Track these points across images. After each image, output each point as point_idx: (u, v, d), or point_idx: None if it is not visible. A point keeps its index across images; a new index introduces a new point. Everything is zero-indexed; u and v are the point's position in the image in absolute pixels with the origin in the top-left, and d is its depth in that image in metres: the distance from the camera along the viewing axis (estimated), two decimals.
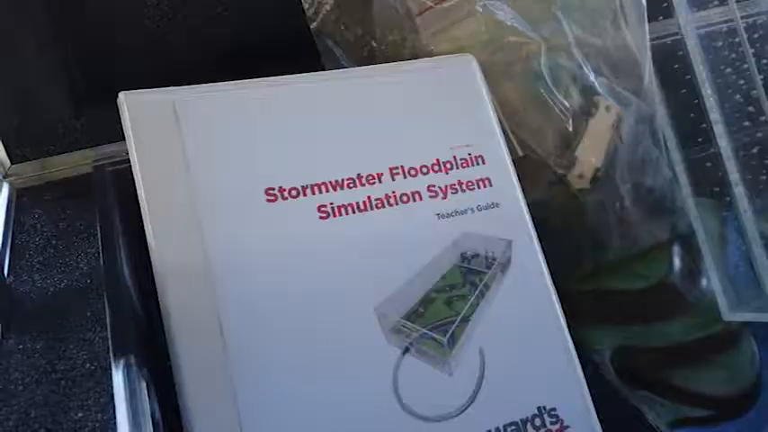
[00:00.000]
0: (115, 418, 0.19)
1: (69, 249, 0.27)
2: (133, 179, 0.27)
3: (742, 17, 0.34)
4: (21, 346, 0.22)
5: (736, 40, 0.32)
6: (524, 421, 0.28)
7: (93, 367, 0.21)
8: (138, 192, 0.26)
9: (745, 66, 0.33)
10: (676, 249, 0.38)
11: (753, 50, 0.35)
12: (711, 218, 0.38)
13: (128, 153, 0.28)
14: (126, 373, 0.19)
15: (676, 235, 0.38)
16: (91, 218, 0.29)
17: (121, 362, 0.19)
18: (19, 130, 0.32)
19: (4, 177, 0.32)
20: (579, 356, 0.30)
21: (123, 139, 0.29)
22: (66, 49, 0.32)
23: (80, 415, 0.19)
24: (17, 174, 0.32)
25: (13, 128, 0.31)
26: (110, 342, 0.20)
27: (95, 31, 0.33)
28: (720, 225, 0.38)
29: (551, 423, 0.28)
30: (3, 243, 0.27)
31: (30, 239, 0.28)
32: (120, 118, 0.28)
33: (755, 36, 0.35)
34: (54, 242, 0.28)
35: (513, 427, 0.28)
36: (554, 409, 0.28)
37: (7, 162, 0.32)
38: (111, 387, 0.20)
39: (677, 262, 0.38)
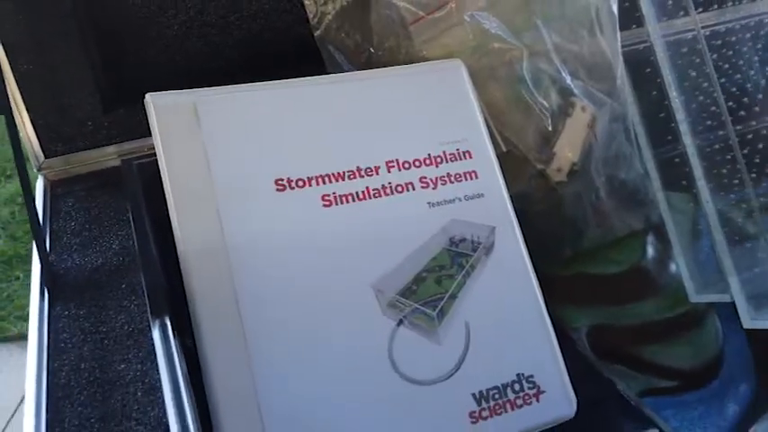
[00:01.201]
0: (153, 368, 0.22)
1: (102, 232, 0.31)
2: (157, 171, 0.30)
3: (704, 26, 0.38)
4: (66, 313, 0.25)
5: (699, 46, 0.35)
6: (505, 386, 0.31)
7: (130, 329, 0.24)
8: (164, 182, 0.30)
9: (708, 70, 0.36)
10: (649, 238, 0.42)
11: (715, 56, 0.39)
12: (682, 210, 0.42)
13: (150, 148, 0.31)
14: (162, 332, 0.22)
15: (650, 225, 0.42)
16: (119, 206, 0.33)
17: (158, 322, 0.23)
18: (51, 127, 0.35)
19: (38, 170, 0.35)
20: (558, 333, 0.34)
21: (146, 135, 0.32)
22: (95, 55, 0.35)
23: (122, 366, 0.23)
24: (50, 167, 0.35)
25: (46, 125, 0.35)
26: (148, 307, 0.24)
27: (121, 39, 0.36)
28: (692, 216, 0.42)
29: (529, 388, 0.32)
30: (42, 227, 0.31)
31: (66, 224, 0.31)
32: (142, 116, 0.32)
33: (718, 43, 0.39)
34: (88, 226, 0.31)
35: (495, 391, 0.31)
36: (531, 376, 0.32)
37: (41, 156, 0.35)
38: (148, 344, 0.23)
39: (649, 249, 0.41)
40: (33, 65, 0.33)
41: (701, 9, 0.39)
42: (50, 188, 0.34)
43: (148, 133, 0.33)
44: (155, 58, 0.37)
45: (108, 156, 0.36)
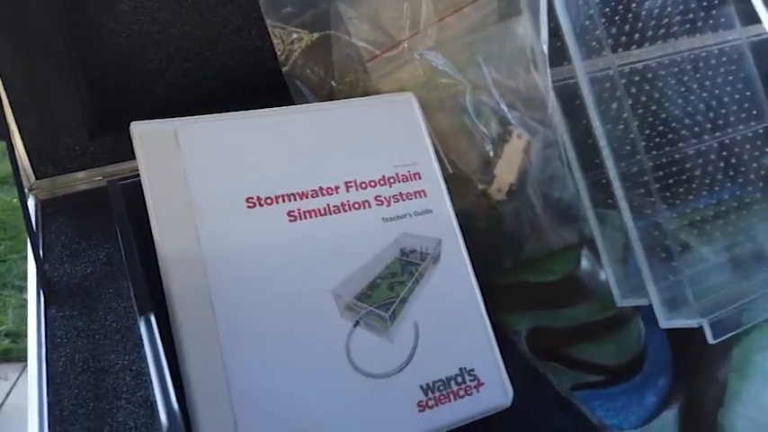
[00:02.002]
0: (139, 358, 0.26)
1: (90, 245, 0.34)
2: (140, 190, 0.34)
3: (624, 64, 0.44)
4: (61, 314, 0.29)
5: (607, 85, 0.41)
6: (449, 378, 0.36)
7: (118, 326, 0.28)
8: (147, 200, 0.34)
9: (624, 104, 0.42)
10: (581, 250, 0.47)
11: (634, 90, 0.44)
12: (613, 225, 0.47)
13: (132, 170, 0.35)
14: (148, 326, 0.26)
15: (582, 238, 0.47)
16: (105, 222, 0.36)
17: (143, 318, 0.26)
18: (42, 150, 0.39)
19: (29, 190, 0.39)
20: (500, 334, 0.38)
21: (129, 158, 0.36)
22: (83, 86, 0.39)
23: (112, 356, 0.26)
24: (40, 188, 0.39)
25: (37, 149, 0.38)
26: (135, 306, 0.28)
27: (106, 72, 0.40)
28: (620, 231, 0.47)
29: (470, 380, 0.36)
30: (36, 240, 0.35)
31: (57, 238, 0.35)
32: (125, 142, 0.36)
33: (636, 79, 0.45)
34: (77, 240, 0.35)
35: (440, 383, 0.35)
36: (472, 370, 0.36)
37: (32, 177, 0.39)
38: (135, 339, 0.27)
39: (582, 260, 0.46)
40: (28, 95, 0.37)
41: (620, 49, 0.45)
42: (41, 207, 0.38)
43: (131, 157, 0.37)
44: (137, 90, 0.41)
45: (93, 177, 0.40)
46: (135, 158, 0.38)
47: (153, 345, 0.24)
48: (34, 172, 0.39)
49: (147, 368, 0.25)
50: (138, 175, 0.36)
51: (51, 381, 0.25)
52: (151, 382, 0.24)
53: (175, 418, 0.21)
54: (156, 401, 0.23)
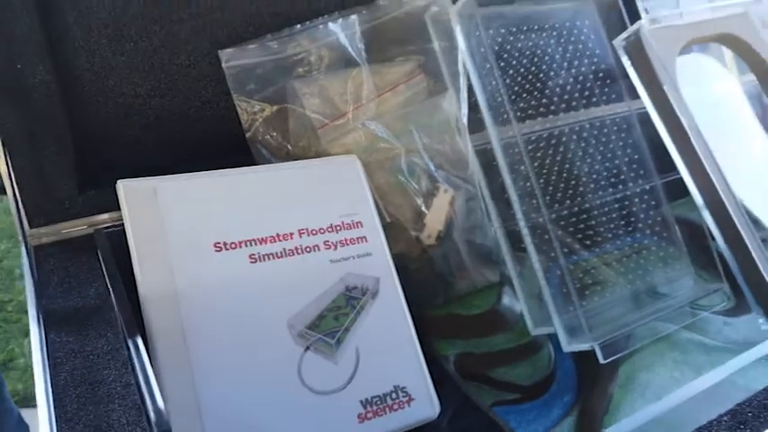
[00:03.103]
0: (128, 372, 0.32)
1: (79, 284, 0.41)
2: (121, 238, 0.41)
3: (528, 132, 0.53)
4: (58, 339, 0.35)
5: (517, 150, 0.50)
6: (385, 394, 0.42)
7: (109, 348, 0.34)
8: (130, 244, 0.40)
9: (527, 166, 0.51)
10: (502, 288, 0.55)
11: (540, 153, 0.53)
12: (527, 266, 0.55)
13: (114, 219, 0.42)
14: (135, 345, 0.32)
15: (502, 278, 0.55)
16: (91, 264, 0.42)
17: (131, 339, 0.33)
18: (36, 204, 0.45)
19: (23, 238, 0.45)
20: (432, 359, 0.45)
21: (111, 210, 0.43)
22: (71, 149, 0.46)
23: (105, 372, 0.32)
24: (33, 235, 0.45)
25: (32, 203, 0.44)
26: (123, 331, 0.34)
27: (95, 136, 0.47)
28: (534, 271, 0.55)
29: (402, 396, 0.43)
30: (33, 280, 0.41)
31: (50, 278, 0.41)
32: (108, 196, 0.42)
33: (542, 145, 0.54)
34: (68, 280, 0.41)
35: (377, 398, 0.42)
36: (405, 388, 0.43)
37: (27, 226, 0.45)
38: (123, 358, 0.33)
39: (502, 296, 0.54)
40: (27, 157, 0.43)
41: (527, 120, 0.54)
42: (34, 252, 0.44)
43: (113, 208, 0.44)
44: (120, 152, 0.48)
45: (80, 226, 0.46)
46: (115, 209, 0.45)
47: (140, 360, 0.30)
48: (29, 222, 0.45)
49: (136, 379, 0.32)
50: (120, 224, 0.43)
51: (54, 392, 0.31)
52: (139, 389, 0.31)
53: (161, 414, 0.28)
54: (144, 403, 0.29)
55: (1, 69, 0.40)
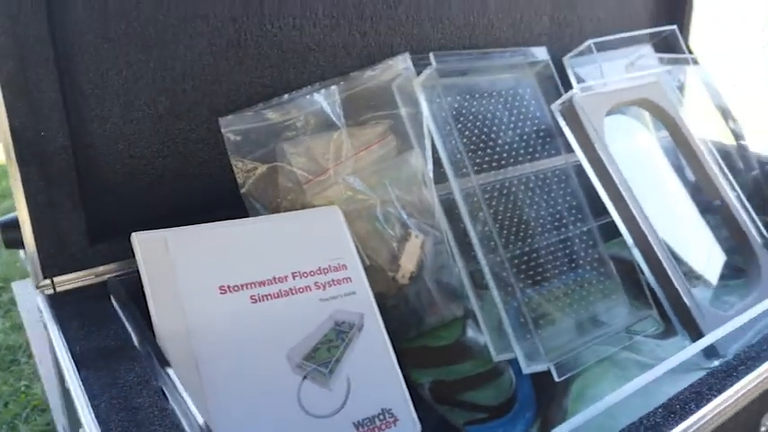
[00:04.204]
0: (163, 400, 0.37)
1: (99, 328, 0.45)
2: (132, 284, 0.46)
3: (484, 183, 0.61)
4: (90, 376, 0.40)
5: (476, 199, 0.58)
6: (373, 416, 0.48)
7: (139, 380, 0.39)
8: (146, 290, 0.45)
9: (484, 212, 0.59)
10: (467, 321, 0.62)
11: (495, 202, 0.62)
12: (488, 301, 0.62)
13: (122, 269, 0.47)
14: (169, 377, 0.37)
15: (467, 312, 0.62)
16: (106, 310, 0.47)
17: (164, 372, 0.38)
18: (49, 255, 0.49)
19: (37, 287, 0.49)
20: (409, 385, 0.51)
21: (118, 260, 0.48)
22: (84, 205, 0.51)
23: (140, 400, 0.37)
24: (46, 285, 0.49)
25: (47, 256, 0.49)
26: (156, 363, 0.39)
27: (104, 194, 0.52)
28: (495, 305, 0.62)
29: (389, 417, 0.49)
30: (56, 326, 0.45)
31: (69, 325, 0.45)
32: (116, 248, 0.48)
33: (495, 194, 0.62)
34: (87, 324, 0.45)
35: (368, 420, 0.48)
36: (390, 410, 0.49)
37: (41, 277, 0.49)
38: (155, 387, 0.38)
39: (467, 328, 0.61)
40: (45, 214, 0.48)
41: (483, 173, 0.62)
42: (50, 301, 0.48)
43: (120, 258, 0.49)
44: (127, 208, 0.53)
45: (93, 275, 0.51)
46: (122, 260, 0.50)
47: (175, 387, 0.36)
48: (42, 273, 0.49)
49: (170, 406, 0.37)
50: (128, 273, 0.48)
51: (99, 418, 0.36)
52: (175, 413, 0.36)
53: (207, 427, 0.33)
54: (184, 422, 0.34)
55: (29, 136, 0.45)
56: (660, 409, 0.36)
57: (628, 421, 0.38)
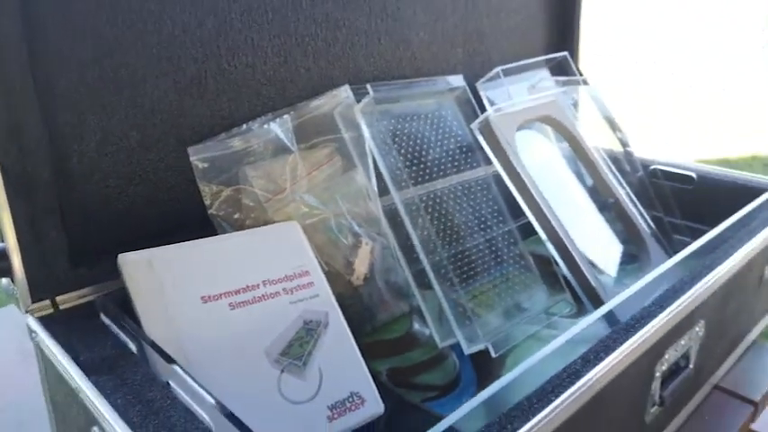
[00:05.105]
0: (172, 394, 0.43)
1: (95, 342, 0.50)
2: (116, 301, 0.51)
3: (419, 194, 0.70)
4: (99, 379, 0.45)
5: (415, 207, 0.67)
6: (344, 399, 0.55)
7: (146, 379, 0.45)
8: (135, 305, 0.50)
9: (423, 218, 0.68)
10: (414, 315, 0.71)
11: (430, 209, 0.71)
12: (431, 298, 0.71)
13: (106, 289, 0.52)
14: (174, 372, 0.43)
15: (413, 307, 0.71)
16: (94, 327, 0.52)
17: (168, 367, 0.44)
18: (35, 279, 0.53)
19: (26, 311, 0.53)
20: (370, 373, 0.59)
21: (99, 282, 0.53)
22: (66, 232, 0.55)
23: (150, 395, 0.43)
24: (35, 309, 0.53)
25: (33, 282, 0.53)
26: (162, 361, 0.44)
27: (84, 222, 0.57)
28: (437, 300, 0.72)
29: (357, 399, 0.56)
30: (56, 342, 0.49)
31: (66, 340, 0.50)
32: (96, 270, 0.53)
33: (431, 203, 0.71)
34: (82, 339, 0.50)
35: (339, 402, 0.55)
36: (358, 393, 0.57)
37: (29, 301, 0.53)
38: (163, 382, 0.44)
39: (414, 322, 0.70)
40: (31, 243, 0.52)
41: (419, 184, 0.72)
42: (40, 321, 0.52)
43: (101, 280, 0.54)
44: (105, 234, 0.58)
45: (78, 297, 0.55)
46: (103, 281, 0.55)
47: (183, 378, 0.42)
48: (30, 297, 0.53)
49: (180, 395, 0.43)
50: (111, 293, 0.54)
51: (118, 411, 0.41)
52: (186, 400, 0.42)
53: (221, 405, 0.39)
54: (198, 413, 0.41)
55: (18, 173, 0.50)
56: (579, 360, 0.46)
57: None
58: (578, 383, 0.44)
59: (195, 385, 0.42)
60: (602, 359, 0.47)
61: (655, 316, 0.52)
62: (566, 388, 0.43)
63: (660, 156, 0.99)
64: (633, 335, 0.50)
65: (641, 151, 0.97)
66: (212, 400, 0.40)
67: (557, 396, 0.43)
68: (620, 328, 0.51)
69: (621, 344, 0.49)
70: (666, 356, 0.55)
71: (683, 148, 3.32)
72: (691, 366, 0.61)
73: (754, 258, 0.69)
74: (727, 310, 0.67)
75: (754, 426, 0.75)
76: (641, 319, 0.52)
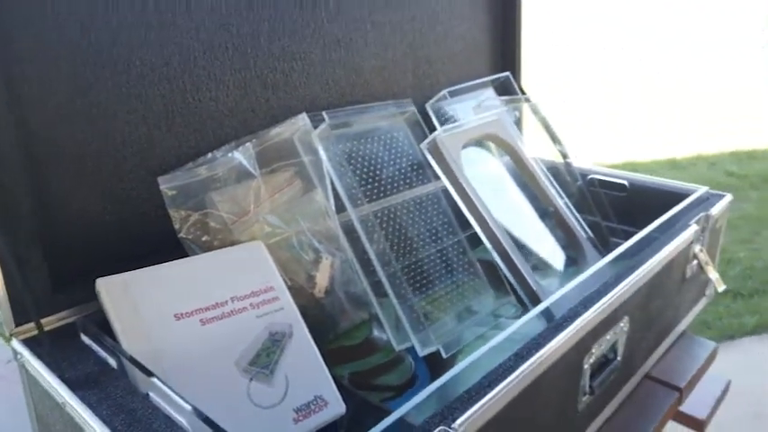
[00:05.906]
0: (152, 405, 0.48)
1: (78, 361, 0.54)
2: (97, 323, 0.56)
3: (374, 210, 0.76)
4: (84, 394, 0.50)
5: (371, 223, 0.73)
6: (308, 402, 0.61)
7: (127, 392, 0.50)
8: (113, 324, 0.55)
9: (378, 232, 0.74)
10: (372, 322, 0.77)
11: (385, 224, 0.77)
12: (388, 306, 0.78)
13: (84, 311, 0.57)
14: (153, 384, 0.48)
15: (371, 315, 0.77)
16: (76, 347, 0.57)
17: (147, 380, 0.49)
18: (18, 304, 0.58)
19: (10, 335, 0.58)
20: (333, 377, 0.65)
21: (77, 305, 0.58)
22: (43, 261, 0.60)
23: (133, 405, 0.48)
24: (18, 332, 0.58)
25: (17, 306, 0.58)
26: (144, 375, 0.49)
27: (64, 252, 0.62)
28: (393, 308, 0.78)
29: (320, 402, 0.62)
30: (42, 362, 0.54)
31: (50, 360, 0.54)
32: (76, 294, 0.58)
33: (385, 217, 0.78)
34: (65, 359, 0.55)
35: (304, 405, 0.61)
36: (321, 396, 0.62)
37: (12, 325, 0.58)
38: (143, 395, 0.49)
39: (372, 328, 0.76)
40: (14, 271, 0.57)
41: (374, 201, 0.78)
42: (24, 343, 0.57)
43: (80, 303, 0.59)
44: (83, 262, 0.63)
45: (59, 319, 0.60)
46: (81, 304, 0.60)
47: (163, 389, 0.47)
48: (13, 320, 0.57)
49: (160, 404, 0.48)
50: (90, 315, 0.58)
51: (104, 420, 0.46)
52: (166, 409, 0.47)
53: (198, 412, 0.45)
54: (177, 420, 0.46)
55: (1, 204, 0.55)
56: (513, 356, 0.53)
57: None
58: (511, 377, 0.51)
59: (173, 394, 0.47)
60: (532, 355, 0.54)
61: (580, 315, 0.59)
62: (499, 381, 0.50)
63: (596, 165, 1.08)
64: (560, 332, 0.57)
65: (579, 161, 1.05)
66: (189, 407, 0.46)
67: (492, 389, 0.49)
68: (549, 327, 0.58)
69: (550, 341, 0.56)
70: (593, 350, 0.63)
71: (632, 149, 3.47)
72: (618, 358, 0.69)
73: (676, 258, 0.78)
74: (651, 306, 0.75)
75: (682, 408, 0.83)
76: (568, 318, 0.59)
